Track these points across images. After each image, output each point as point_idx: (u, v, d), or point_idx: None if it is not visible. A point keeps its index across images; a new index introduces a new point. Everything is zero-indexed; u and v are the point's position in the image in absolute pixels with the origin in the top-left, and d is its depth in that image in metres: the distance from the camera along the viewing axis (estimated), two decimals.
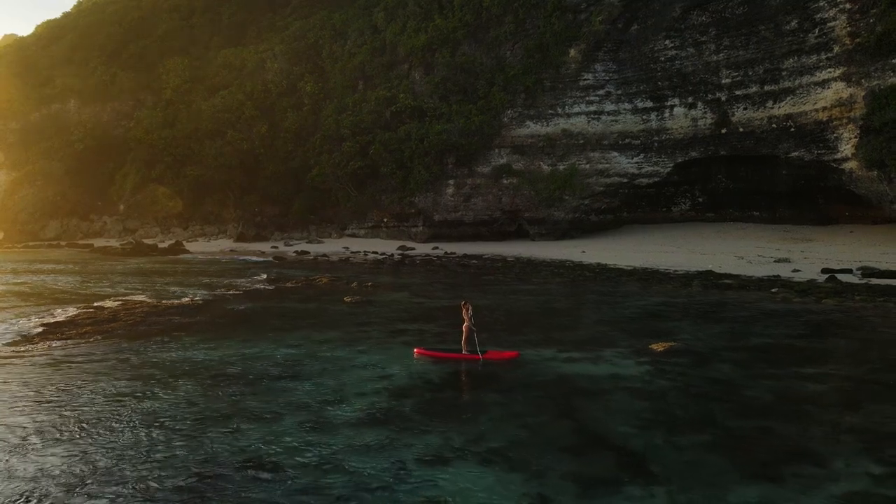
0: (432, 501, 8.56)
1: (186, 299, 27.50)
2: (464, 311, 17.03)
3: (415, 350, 17.37)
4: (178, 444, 10.64)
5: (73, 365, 15.59)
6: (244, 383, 14.23)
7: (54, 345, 17.80)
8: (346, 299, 27.55)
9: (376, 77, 73.91)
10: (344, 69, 77.03)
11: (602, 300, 28.56)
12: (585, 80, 60.54)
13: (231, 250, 63.26)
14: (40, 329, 19.87)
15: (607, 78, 60.19)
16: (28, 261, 52.20)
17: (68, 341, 18.11)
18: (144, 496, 8.75)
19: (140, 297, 27.55)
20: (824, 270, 35.34)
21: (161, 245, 65.18)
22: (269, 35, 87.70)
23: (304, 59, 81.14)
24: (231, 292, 30.89)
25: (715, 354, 16.94)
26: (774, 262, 40.49)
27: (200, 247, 66.47)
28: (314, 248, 61.82)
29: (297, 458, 10.04)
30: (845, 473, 9.22)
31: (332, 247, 63.48)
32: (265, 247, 64.47)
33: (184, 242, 67.59)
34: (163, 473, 9.45)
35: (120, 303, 25.16)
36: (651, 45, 57.75)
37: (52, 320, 21.36)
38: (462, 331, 16.90)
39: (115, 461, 9.88)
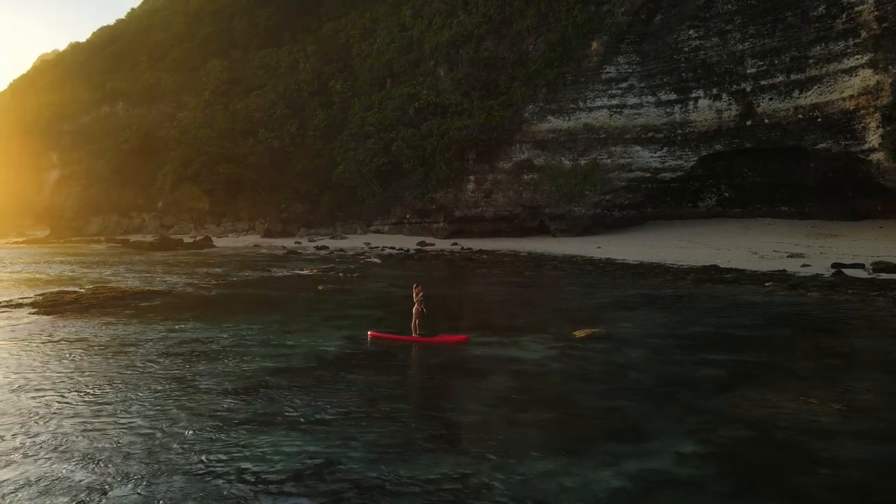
0: (220, 462, 8.58)
1: (165, 286, 28.26)
2: (414, 295, 16.96)
3: (368, 333, 17.28)
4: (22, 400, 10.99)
5: None
6: (145, 358, 14.57)
7: None
8: (320, 287, 27.85)
9: (403, 74, 74.40)
10: (372, 67, 77.85)
11: (580, 291, 27.90)
12: (608, 73, 59.24)
13: (255, 245, 64.79)
14: None
15: (630, 70, 58.72)
16: (57, 253, 54.83)
17: (11, 318, 18.90)
18: None
19: (118, 284, 28.48)
20: (834, 265, 33.59)
21: (188, 240, 67.25)
22: (304, 36, 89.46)
23: (334, 59, 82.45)
24: (218, 281, 31.61)
25: (638, 340, 16.31)
26: (787, 257, 38.71)
27: (228, 242, 68.33)
28: (335, 244, 62.64)
29: (129, 419, 10.27)
30: (653, 452, 8.73)
31: (354, 242, 64.17)
32: (289, 242, 65.74)
33: (213, 238, 69.62)
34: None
35: (92, 288, 26.07)
36: (675, 35, 56.05)
37: (17, 300, 22.32)
38: (412, 314, 16.80)
39: None
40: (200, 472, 8.32)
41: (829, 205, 51.15)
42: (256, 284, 30.46)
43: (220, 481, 8.01)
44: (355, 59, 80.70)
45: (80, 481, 8.07)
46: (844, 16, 45.11)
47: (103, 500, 7.57)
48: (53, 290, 26.42)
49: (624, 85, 59.01)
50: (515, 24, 64.93)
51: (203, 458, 8.76)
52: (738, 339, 16.45)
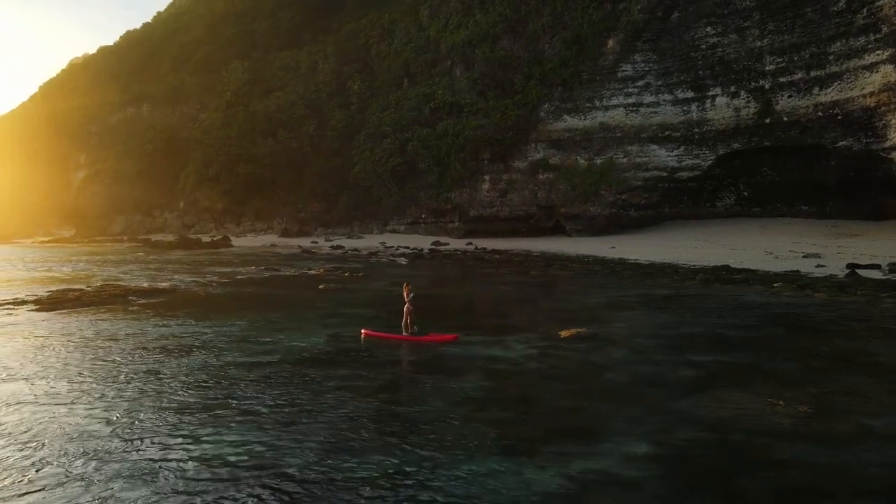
0: (162, 449, 8.67)
1: (170, 284, 28.65)
2: (405, 294, 16.97)
3: (362, 331, 17.33)
4: None
5: None
6: (120, 351, 14.81)
7: None
8: (321, 287, 27.94)
9: (420, 74, 74.52)
10: (390, 67, 78.11)
11: (582, 291, 27.61)
12: (624, 71, 58.66)
13: (272, 245, 65.38)
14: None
15: (647, 68, 58.05)
16: (78, 252, 55.96)
17: (11, 314, 19.36)
18: None
19: (127, 283, 28.95)
20: (848, 266, 32.77)
21: (206, 240, 68.12)
22: (324, 37, 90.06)
23: (353, 59, 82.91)
24: (223, 279, 31.93)
25: (623, 341, 16.07)
26: (802, 257, 37.88)
27: (246, 242, 69.06)
28: (350, 243, 62.93)
29: (87, 407, 10.50)
30: (603, 453, 8.55)
31: (370, 242, 64.40)
32: (305, 242, 66.22)
33: (232, 237, 70.49)
34: None
35: (98, 286, 26.55)
36: (692, 32, 55.31)
37: (23, 297, 22.88)
38: (403, 313, 16.80)
39: None
40: (141, 457, 8.51)
41: (850, 204, 49.94)
42: (261, 283, 30.72)
43: (158, 468, 8.12)
44: (374, 59, 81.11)
45: (21, 458, 8.39)
46: (865, 11, 44.09)
47: (39, 480, 7.74)
48: (62, 287, 26.97)
49: (640, 83, 58.38)
50: (531, 23, 64.68)
51: (147, 444, 8.96)
52: (727, 340, 16.11)
